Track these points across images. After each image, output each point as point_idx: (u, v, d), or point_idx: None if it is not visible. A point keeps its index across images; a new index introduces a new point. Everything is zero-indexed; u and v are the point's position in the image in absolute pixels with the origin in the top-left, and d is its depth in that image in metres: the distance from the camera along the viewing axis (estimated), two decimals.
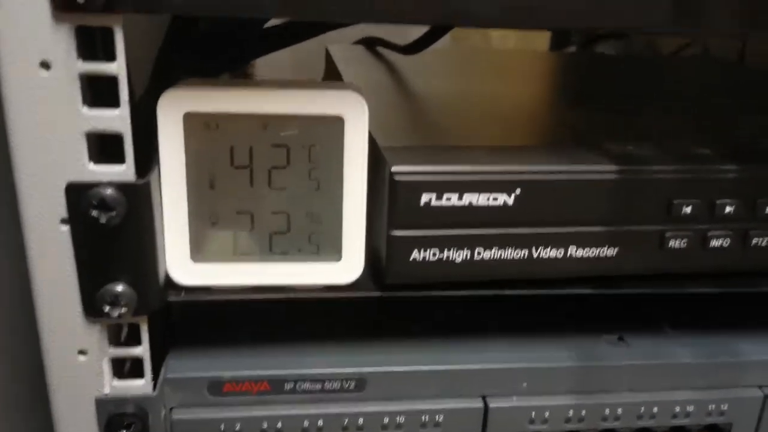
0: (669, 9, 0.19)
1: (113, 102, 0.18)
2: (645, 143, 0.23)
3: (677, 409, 0.24)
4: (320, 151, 0.21)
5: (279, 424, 0.23)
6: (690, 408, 0.24)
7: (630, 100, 0.33)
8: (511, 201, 0.21)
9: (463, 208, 0.21)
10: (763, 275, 0.24)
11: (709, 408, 0.24)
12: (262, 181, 0.21)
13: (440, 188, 0.20)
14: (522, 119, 0.28)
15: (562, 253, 0.22)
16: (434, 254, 0.21)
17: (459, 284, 0.22)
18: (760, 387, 0.25)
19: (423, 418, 0.23)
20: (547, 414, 0.24)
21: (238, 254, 0.21)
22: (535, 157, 0.21)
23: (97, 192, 0.18)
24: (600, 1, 0.18)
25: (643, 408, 0.24)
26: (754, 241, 0.23)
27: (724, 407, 0.24)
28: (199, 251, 0.21)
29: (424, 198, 0.20)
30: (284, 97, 0.20)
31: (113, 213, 0.19)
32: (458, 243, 0.21)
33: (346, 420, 0.23)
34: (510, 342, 0.25)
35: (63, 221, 0.19)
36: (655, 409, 0.24)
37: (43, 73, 0.17)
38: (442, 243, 0.21)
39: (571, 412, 0.24)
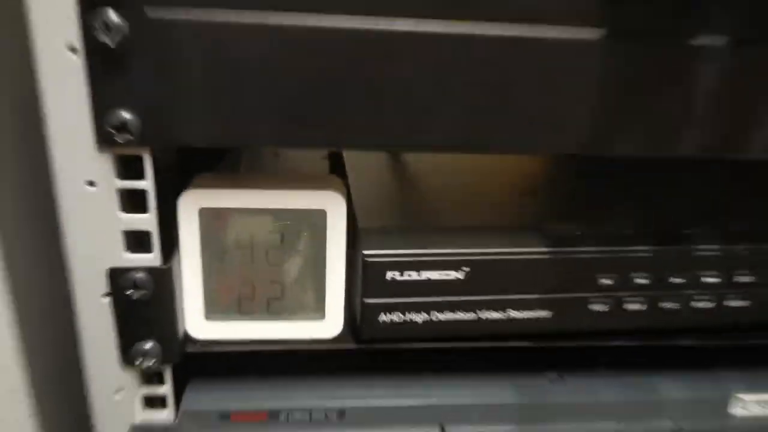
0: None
1: (144, 208, 0.23)
2: (576, 226, 0.28)
3: None
4: (307, 235, 0.26)
5: None
6: None
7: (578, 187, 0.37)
8: (461, 276, 0.26)
9: (421, 281, 0.26)
10: (672, 331, 0.28)
11: None
12: (261, 259, 0.26)
13: (402, 267, 0.25)
14: (487, 198, 0.32)
15: (504, 315, 0.27)
16: (399, 317, 0.26)
17: (420, 339, 0.27)
18: (670, 419, 0.30)
19: None
20: None
21: (242, 314, 0.27)
22: (483, 240, 0.26)
23: (131, 276, 0.24)
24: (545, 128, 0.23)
25: None
26: (663, 305, 0.28)
27: None
28: (211, 312, 0.26)
29: (389, 274, 0.25)
30: (279, 195, 0.25)
31: (143, 291, 0.24)
32: (418, 308, 0.26)
33: None
34: (465, 381, 0.30)
35: (105, 295, 0.24)
36: None
37: (90, 189, 0.23)
38: (405, 308, 0.26)
39: None
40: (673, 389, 0.30)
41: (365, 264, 0.25)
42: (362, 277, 0.26)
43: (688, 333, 0.28)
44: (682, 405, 0.30)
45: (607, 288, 0.27)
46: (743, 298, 0.28)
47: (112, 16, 0.20)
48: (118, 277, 0.24)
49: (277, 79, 0.21)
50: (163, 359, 0.25)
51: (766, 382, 0.31)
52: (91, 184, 0.22)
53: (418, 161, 0.36)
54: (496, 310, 0.27)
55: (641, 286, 0.27)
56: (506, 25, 0.21)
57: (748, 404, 0.31)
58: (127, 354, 0.25)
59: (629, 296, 0.27)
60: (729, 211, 0.31)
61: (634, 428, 0.29)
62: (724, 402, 0.30)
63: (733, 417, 0.30)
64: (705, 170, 0.37)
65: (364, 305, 0.26)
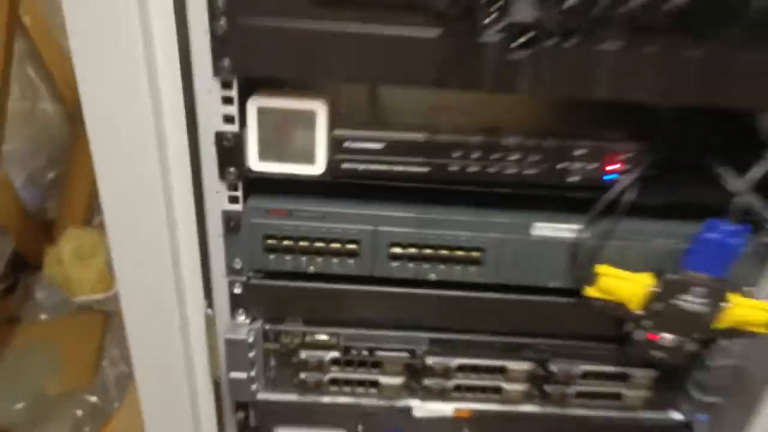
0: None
1: (232, 103, 0.51)
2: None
3: None
4: (310, 123, 0.53)
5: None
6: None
7: None
8: (380, 146, 0.53)
9: (368, 149, 0.53)
10: (497, 184, 0.54)
11: None
12: (290, 132, 0.53)
13: (353, 139, 0.52)
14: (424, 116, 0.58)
15: (407, 169, 0.54)
16: (351, 165, 0.53)
17: (369, 178, 0.54)
18: (497, 231, 0.57)
19: None
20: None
21: (277, 160, 0.55)
22: (409, 127, 0.53)
23: (226, 135, 0.52)
24: None
25: None
26: (490, 169, 0.54)
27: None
28: (261, 157, 0.54)
29: (347, 143, 0.53)
30: (295, 101, 0.52)
31: (230, 143, 0.52)
32: (364, 161, 0.53)
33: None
34: (397, 203, 0.57)
35: (213, 144, 0.52)
36: None
37: (209, 94, 0.50)
38: (354, 161, 0.53)
39: None
40: (496, 217, 0.56)
41: (334, 137, 0.52)
42: (331, 146, 0.53)
43: (505, 185, 0.54)
44: (504, 225, 0.57)
45: (460, 157, 0.53)
46: (533, 168, 0.54)
47: None
48: (220, 135, 0.52)
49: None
50: (238, 177, 0.54)
51: (555, 217, 0.57)
52: (209, 91, 0.50)
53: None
54: (412, 164, 0.54)
55: (480, 157, 0.53)
56: None
57: (543, 229, 0.57)
58: (222, 173, 0.54)
59: (473, 162, 0.53)
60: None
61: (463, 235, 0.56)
62: (528, 226, 0.57)
63: (534, 236, 0.57)
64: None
65: (334, 160, 0.53)
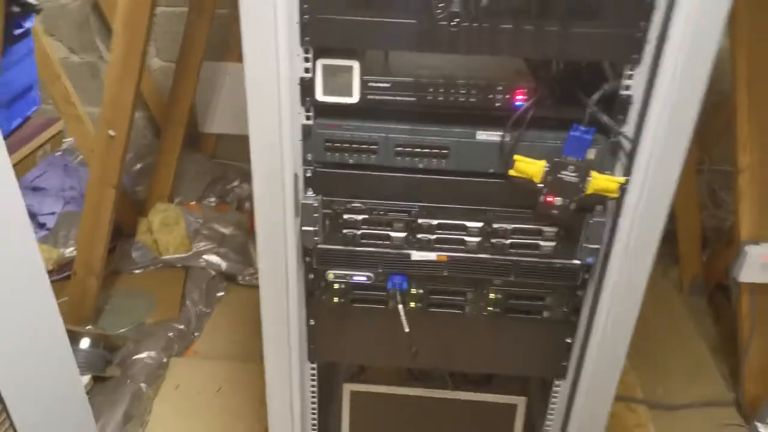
0: None
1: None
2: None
3: None
4: None
5: None
6: None
7: None
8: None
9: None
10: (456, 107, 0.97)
11: None
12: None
13: None
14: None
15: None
16: None
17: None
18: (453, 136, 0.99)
19: None
20: None
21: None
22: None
23: (306, 77, 0.96)
24: None
25: None
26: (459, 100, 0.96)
27: None
28: None
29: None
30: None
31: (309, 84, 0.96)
32: None
33: None
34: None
35: (298, 83, 0.96)
36: None
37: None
38: None
39: None
40: (455, 128, 0.99)
41: (363, 80, 0.96)
42: (361, 85, 0.96)
43: (460, 108, 0.97)
44: (460, 133, 0.99)
45: (432, 92, 0.96)
46: (475, 98, 0.96)
47: None
48: (302, 79, 0.95)
49: None
50: (311, 104, 0.97)
51: (489, 127, 0.99)
52: (298, 55, 0.94)
53: None
54: (406, 96, 0.97)
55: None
56: None
57: (482, 135, 0.99)
58: (303, 101, 0.97)
59: (441, 95, 0.96)
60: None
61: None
62: (474, 134, 0.99)
63: (478, 140, 0.99)
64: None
65: (363, 94, 0.96)
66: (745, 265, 1.56)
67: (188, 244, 2.22)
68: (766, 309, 1.73)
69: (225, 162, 2.83)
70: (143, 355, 1.81)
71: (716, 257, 2.28)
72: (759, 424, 1.76)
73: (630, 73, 0.92)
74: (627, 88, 0.93)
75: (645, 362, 1.98)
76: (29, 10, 1.57)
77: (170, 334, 1.92)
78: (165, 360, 1.84)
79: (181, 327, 1.96)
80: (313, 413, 1.28)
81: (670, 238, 2.25)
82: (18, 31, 1.60)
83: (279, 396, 1.20)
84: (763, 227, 1.57)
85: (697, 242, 2.30)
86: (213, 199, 2.49)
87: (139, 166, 2.58)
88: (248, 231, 2.39)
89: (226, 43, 2.58)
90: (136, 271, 2.19)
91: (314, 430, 1.30)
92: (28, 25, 1.64)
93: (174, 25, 2.50)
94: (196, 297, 2.08)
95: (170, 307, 2.04)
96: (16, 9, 1.50)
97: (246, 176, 2.68)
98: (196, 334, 2.01)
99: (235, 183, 2.60)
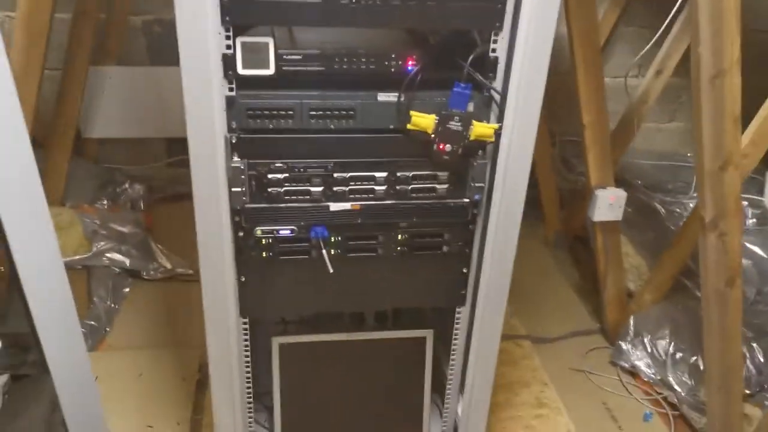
0: None
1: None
2: None
3: None
4: None
5: None
6: None
7: None
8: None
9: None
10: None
11: None
12: None
13: None
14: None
15: None
16: None
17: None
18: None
19: None
20: None
21: None
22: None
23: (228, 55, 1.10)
24: None
25: None
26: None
27: None
28: None
29: None
30: None
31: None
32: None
33: None
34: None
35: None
36: None
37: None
38: None
39: None
40: (359, 92, 1.17)
41: (276, 54, 1.11)
42: (275, 58, 1.12)
43: (362, 74, 1.15)
44: (363, 95, 1.17)
45: (338, 62, 1.13)
46: (373, 65, 1.14)
47: None
48: (225, 56, 1.09)
49: None
50: (232, 77, 1.11)
51: (388, 90, 1.18)
52: (219, 33, 1.07)
53: None
54: (315, 65, 1.13)
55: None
56: None
57: (382, 96, 1.18)
58: (225, 75, 1.11)
59: (345, 63, 1.14)
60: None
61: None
62: (376, 96, 1.17)
63: (379, 101, 1.17)
64: None
65: (278, 66, 1.12)
66: (596, 206, 1.88)
67: (87, 245, 2.23)
68: (616, 244, 2.07)
69: (110, 166, 2.83)
70: None
71: (573, 214, 2.64)
72: (621, 343, 2.10)
73: (495, 38, 1.14)
74: (494, 51, 1.15)
75: (525, 307, 2.28)
76: None
77: (81, 330, 1.94)
78: None
79: (92, 323, 1.99)
80: (247, 368, 1.40)
81: (534, 202, 2.59)
82: None
83: (220, 356, 1.32)
84: (607, 174, 1.90)
85: (556, 202, 2.66)
86: (105, 202, 2.50)
87: None
88: (147, 229, 2.43)
89: (104, 48, 2.60)
90: None
91: (248, 383, 1.42)
92: None
93: (56, 32, 2.47)
94: (103, 293, 2.11)
95: (78, 306, 2.05)
96: None
97: (135, 178, 2.71)
98: (107, 329, 2.05)
99: (126, 185, 2.62)
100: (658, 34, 1.76)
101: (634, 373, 2.04)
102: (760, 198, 2.19)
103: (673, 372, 1.91)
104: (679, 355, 1.94)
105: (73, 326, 1.18)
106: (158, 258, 2.30)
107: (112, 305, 2.10)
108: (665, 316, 2.03)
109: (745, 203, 2.08)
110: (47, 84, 2.49)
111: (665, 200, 2.31)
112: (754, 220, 2.11)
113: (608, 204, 1.88)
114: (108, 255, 2.20)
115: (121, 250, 2.24)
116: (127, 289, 2.19)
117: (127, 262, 2.22)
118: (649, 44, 1.79)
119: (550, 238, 2.69)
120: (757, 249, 1.98)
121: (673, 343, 1.96)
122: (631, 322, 2.04)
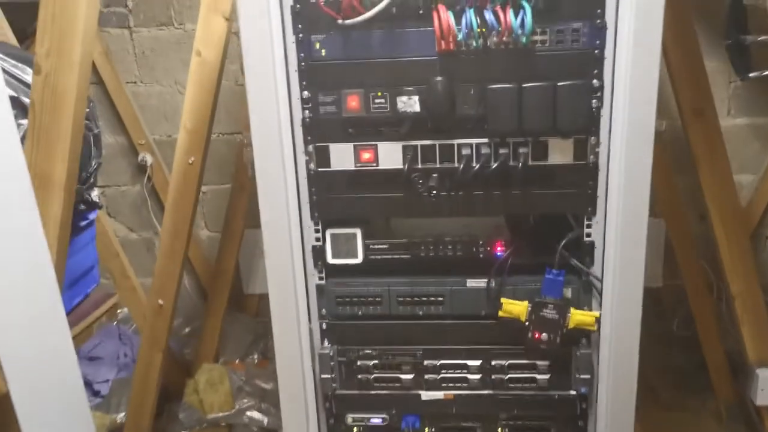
0: None
1: None
2: None
3: None
4: None
5: None
6: None
7: None
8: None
9: None
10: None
11: None
12: None
13: None
14: None
15: None
16: None
17: None
18: None
19: None
20: None
21: None
22: None
23: None
24: None
25: None
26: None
27: None
28: None
29: None
30: None
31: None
32: None
33: None
34: None
35: None
36: None
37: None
38: None
39: None
40: (448, 279, 1.14)
41: (365, 244, 1.14)
42: (363, 248, 1.14)
43: (450, 261, 1.13)
44: (452, 282, 1.14)
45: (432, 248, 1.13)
46: (462, 252, 1.12)
47: None
48: (315, 248, 1.14)
49: None
50: (322, 267, 1.15)
51: (477, 276, 1.14)
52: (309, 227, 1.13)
53: None
54: (400, 254, 1.14)
55: None
56: None
57: (472, 282, 1.14)
58: (315, 265, 1.15)
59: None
60: None
61: None
62: (465, 282, 1.14)
63: (469, 287, 1.14)
64: None
65: (365, 256, 1.14)
66: (758, 388, 1.59)
67: (231, 402, 2.34)
68: None
69: (268, 320, 3.01)
70: None
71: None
72: None
73: (589, 222, 1.07)
74: (588, 235, 1.08)
75: None
76: (93, 207, 1.85)
77: None
78: None
79: None
80: None
81: (701, 367, 2.27)
82: (83, 223, 1.87)
83: None
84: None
85: (726, 368, 2.30)
86: (255, 356, 2.63)
87: (187, 329, 2.77)
88: None
89: None
90: None
91: None
92: (92, 216, 1.92)
93: (220, 200, 2.81)
94: None
95: None
96: (82, 207, 1.78)
97: None
98: None
99: None
100: None
101: None
102: None
103: None
104: None
105: None
106: None
107: None
108: None
109: None
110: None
111: None
112: None
113: None
114: (248, 413, 2.28)
115: (261, 408, 2.30)
116: None
117: (265, 421, 2.27)
118: None
119: (722, 412, 2.31)
120: None
121: None
122: None
